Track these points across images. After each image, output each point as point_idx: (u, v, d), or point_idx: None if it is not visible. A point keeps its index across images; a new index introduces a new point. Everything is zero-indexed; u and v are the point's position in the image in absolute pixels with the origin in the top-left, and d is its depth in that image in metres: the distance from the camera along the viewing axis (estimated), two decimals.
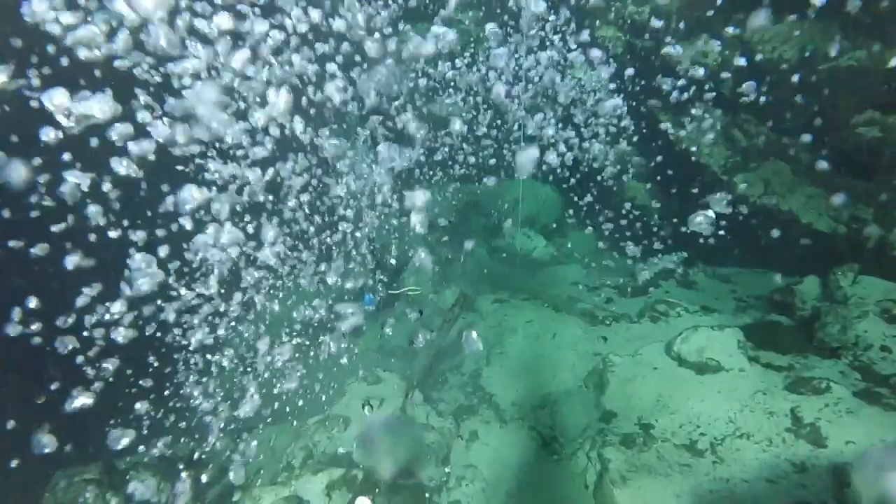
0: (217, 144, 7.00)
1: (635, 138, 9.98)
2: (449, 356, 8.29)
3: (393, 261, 7.68)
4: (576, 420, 6.17)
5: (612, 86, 10.06)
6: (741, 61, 7.93)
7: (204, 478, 6.12)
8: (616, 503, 4.72)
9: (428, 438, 6.01)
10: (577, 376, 6.89)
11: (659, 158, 8.95)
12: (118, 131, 4.94)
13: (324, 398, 6.85)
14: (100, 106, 3.74)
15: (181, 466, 6.35)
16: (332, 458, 5.38)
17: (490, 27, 7.71)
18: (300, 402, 7.58)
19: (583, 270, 9.89)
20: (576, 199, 12.03)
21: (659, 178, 9.23)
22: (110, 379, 6.40)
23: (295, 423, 6.66)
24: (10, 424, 6.02)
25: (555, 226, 12.06)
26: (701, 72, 8.13)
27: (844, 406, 4.95)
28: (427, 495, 5.24)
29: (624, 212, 10.14)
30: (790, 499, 4.35)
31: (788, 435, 4.93)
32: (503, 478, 5.63)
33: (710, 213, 4.90)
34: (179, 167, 6.89)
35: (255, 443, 6.75)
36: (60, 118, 3.69)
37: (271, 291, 9.43)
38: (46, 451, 5.01)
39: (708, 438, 5.19)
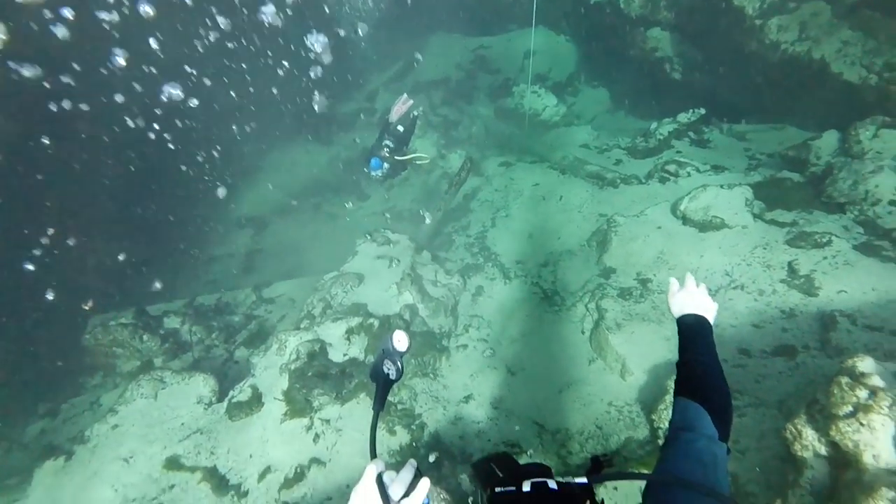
0: None
1: None
2: (455, 219, 8.44)
3: (400, 127, 7.37)
4: (577, 277, 6.44)
5: None
6: None
7: (231, 322, 6.71)
8: (610, 345, 5.13)
9: (436, 293, 6.38)
10: (582, 237, 7.04)
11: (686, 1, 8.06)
12: None
13: (338, 257, 7.13)
14: None
15: (210, 313, 6.91)
16: (349, 309, 5.77)
17: None
18: (315, 260, 7.95)
19: (593, 131, 9.55)
20: (591, 50, 11.19)
21: (686, 24, 8.41)
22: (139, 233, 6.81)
23: (312, 278, 7.05)
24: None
25: (567, 82, 11.38)
26: None
27: (842, 258, 5.09)
28: (437, 339, 5.72)
29: (642, 64, 9.47)
30: (774, 341, 4.69)
31: (781, 286, 5.15)
32: (506, 325, 6.07)
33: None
34: None
35: (276, 294, 7.25)
36: None
37: None
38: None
39: None
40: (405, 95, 7.50)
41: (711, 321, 1.86)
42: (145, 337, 6.07)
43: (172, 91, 7.01)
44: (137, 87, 7.55)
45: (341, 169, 10.47)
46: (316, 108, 7.23)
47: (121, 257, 6.97)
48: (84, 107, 6.88)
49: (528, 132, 9.92)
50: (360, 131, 11.49)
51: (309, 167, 11.18)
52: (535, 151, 9.33)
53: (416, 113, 7.60)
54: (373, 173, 7.14)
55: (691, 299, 1.91)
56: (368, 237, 6.94)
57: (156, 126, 7.76)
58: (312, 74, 8.19)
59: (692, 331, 1.83)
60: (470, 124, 10.78)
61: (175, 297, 7.57)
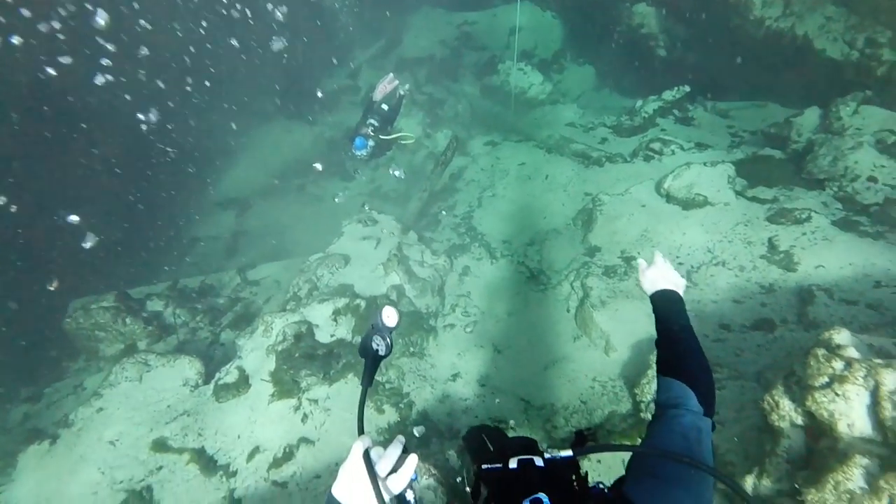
0: None
1: None
2: (441, 199, 8.39)
3: (385, 106, 7.21)
4: (563, 255, 6.49)
5: None
6: None
7: (216, 305, 6.63)
8: (595, 322, 5.20)
9: (423, 273, 6.38)
10: (567, 216, 7.07)
11: None
12: None
13: (323, 238, 7.07)
14: None
15: (193, 295, 6.83)
16: (336, 290, 5.74)
17: None
18: (300, 242, 7.86)
19: (579, 109, 9.52)
20: (577, 26, 11.08)
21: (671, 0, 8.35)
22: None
23: (297, 260, 6.99)
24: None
25: (552, 59, 11.27)
26: None
27: (821, 234, 5.18)
28: (425, 319, 5.74)
29: (628, 41, 9.41)
30: (753, 315, 4.80)
31: (761, 261, 5.25)
32: (492, 305, 6.11)
33: None
34: None
35: (261, 276, 7.18)
36: None
37: None
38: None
39: (685, 267, 5.52)
40: (391, 75, 7.35)
41: (681, 295, 1.90)
42: (128, 320, 5.98)
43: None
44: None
45: (327, 147, 10.29)
46: (273, 47, 6.96)
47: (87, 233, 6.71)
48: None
49: (514, 110, 9.85)
50: (346, 111, 11.30)
51: (292, 147, 10.98)
52: (521, 130, 9.28)
53: (402, 92, 7.46)
54: (357, 153, 7.03)
55: (662, 275, 1.94)
56: (342, 195, 6.89)
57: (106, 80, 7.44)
58: (278, 15, 7.91)
59: (667, 306, 1.86)
60: (455, 103, 10.65)
61: (157, 279, 7.45)
